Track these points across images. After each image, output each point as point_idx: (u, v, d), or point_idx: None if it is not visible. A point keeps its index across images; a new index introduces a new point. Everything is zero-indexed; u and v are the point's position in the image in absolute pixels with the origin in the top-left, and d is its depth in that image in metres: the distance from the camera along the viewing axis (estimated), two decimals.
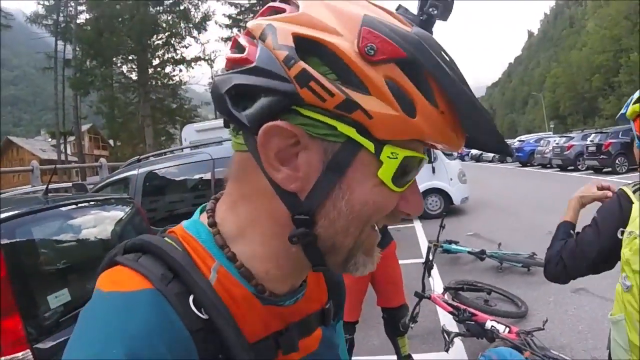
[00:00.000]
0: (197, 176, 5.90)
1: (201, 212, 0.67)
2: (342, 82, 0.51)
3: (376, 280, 3.41)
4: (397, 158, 0.54)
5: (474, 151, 45.42)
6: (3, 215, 2.52)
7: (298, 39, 0.51)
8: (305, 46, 0.51)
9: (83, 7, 32.83)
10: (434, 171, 11.13)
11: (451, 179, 11.25)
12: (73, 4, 34.09)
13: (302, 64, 0.50)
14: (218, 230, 0.62)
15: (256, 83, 0.51)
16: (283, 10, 0.55)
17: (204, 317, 0.54)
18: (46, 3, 34.45)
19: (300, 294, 0.68)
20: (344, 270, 0.61)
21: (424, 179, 11.10)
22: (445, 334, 3.76)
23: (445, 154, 11.54)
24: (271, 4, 0.59)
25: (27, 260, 2.59)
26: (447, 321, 4.43)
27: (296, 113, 0.52)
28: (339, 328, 0.83)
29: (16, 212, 2.64)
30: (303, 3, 0.55)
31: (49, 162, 32.34)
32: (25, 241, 2.63)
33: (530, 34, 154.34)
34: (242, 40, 0.56)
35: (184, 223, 0.65)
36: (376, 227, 0.62)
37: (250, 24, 0.56)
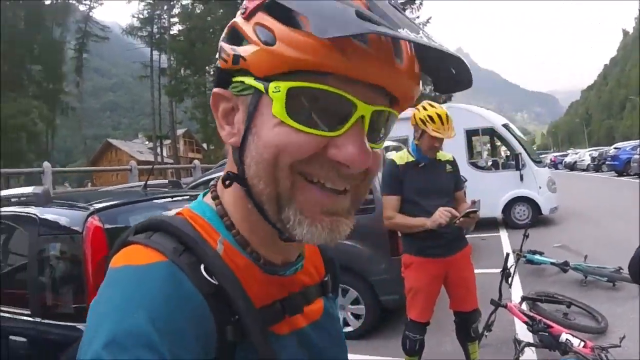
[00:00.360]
0: None
1: (204, 195, 0.73)
2: (234, 44, 0.61)
3: (449, 283, 3.41)
4: (279, 91, 0.56)
5: (567, 159, 43.31)
6: (107, 204, 2.92)
7: (227, 29, 0.63)
8: (230, 32, 0.63)
9: (176, 19, 34.71)
10: (522, 179, 10.67)
11: (540, 188, 10.73)
12: (166, 17, 36.16)
13: (221, 43, 0.63)
14: (220, 202, 0.69)
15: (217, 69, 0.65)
16: None
17: (215, 282, 0.58)
18: (141, 16, 36.82)
19: (299, 265, 0.73)
20: (286, 230, 0.61)
21: (511, 187, 10.77)
22: (516, 343, 3.72)
23: (534, 161, 11.10)
24: None
25: None
26: (522, 331, 4.36)
27: (231, 81, 0.63)
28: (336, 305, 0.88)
29: (118, 201, 3.03)
30: None
31: (146, 163, 34.43)
32: (125, 227, 2.93)
33: (625, 33, 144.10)
34: None
35: (190, 204, 0.71)
36: (320, 182, 0.60)
37: None
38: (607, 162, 29.11)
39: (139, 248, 0.60)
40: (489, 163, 12.37)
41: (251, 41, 0.57)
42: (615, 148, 31.62)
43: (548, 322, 3.84)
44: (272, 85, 0.56)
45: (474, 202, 3.10)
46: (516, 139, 11.21)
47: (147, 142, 58.50)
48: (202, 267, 0.59)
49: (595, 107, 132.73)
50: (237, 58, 0.59)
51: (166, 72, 34.89)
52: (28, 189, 3.83)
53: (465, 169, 8.34)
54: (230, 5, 28.92)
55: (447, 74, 0.61)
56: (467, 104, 12.96)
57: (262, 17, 0.57)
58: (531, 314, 4.11)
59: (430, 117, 3.17)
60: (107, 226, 2.74)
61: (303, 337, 0.70)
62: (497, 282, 4.01)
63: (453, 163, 3.47)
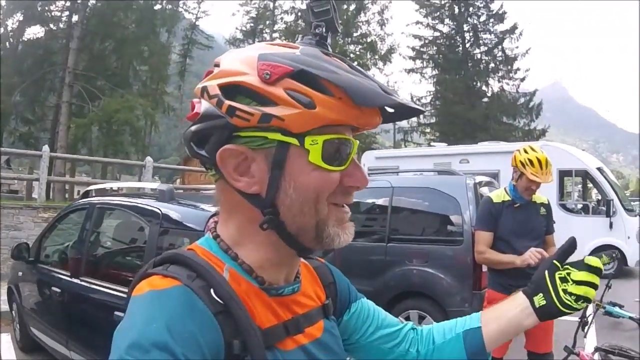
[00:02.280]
0: (370, 200, 6.29)
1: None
2: (258, 104, 0.68)
3: None
4: (317, 143, 0.69)
5: None
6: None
7: (222, 87, 0.70)
8: (229, 89, 0.70)
9: (277, 35, 35.81)
10: (611, 226, 10.36)
11: (629, 237, 10.36)
12: (268, 31, 37.41)
13: (227, 102, 0.68)
14: (221, 239, 0.78)
15: (205, 126, 0.72)
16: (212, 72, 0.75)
17: (222, 303, 0.67)
18: (244, 29, 38.28)
19: (296, 285, 0.82)
20: (322, 246, 0.75)
21: (599, 234, 10.43)
22: None
23: (625, 209, 10.71)
24: (209, 70, 0.77)
25: None
26: None
27: (238, 137, 0.70)
28: (361, 307, 1.01)
29: None
30: (222, 62, 0.75)
31: None
32: None
33: None
34: (195, 102, 0.75)
35: (198, 241, 0.81)
36: (343, 205, 0.77)
37: (195, 89, 0.76)
38: None
39: (158, 277, 0.69)
40: (579, 206, 11.97)
41: (287, 104, 0.67)
42: None
43: None
44: (308, 140, 0.69)
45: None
46: (609, 183, 10.88)
47: None
48: (212, 290, 0.68)
49: None
50: (267, 117, 0.67)
51: None
52: (153, 185, 4.26)
53: (554, 210, 8.19)
54: None
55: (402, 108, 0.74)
56: (562, 141, 12.61)
57: (291, 83, 0.68)
58: None
59: (530, 161, 3.29)
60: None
61: (307, 352, 0.78)
62: (572, 330, 3.99)
63: (547, 206, 3.57)
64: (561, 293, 0.92)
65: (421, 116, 34.90)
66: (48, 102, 29.75)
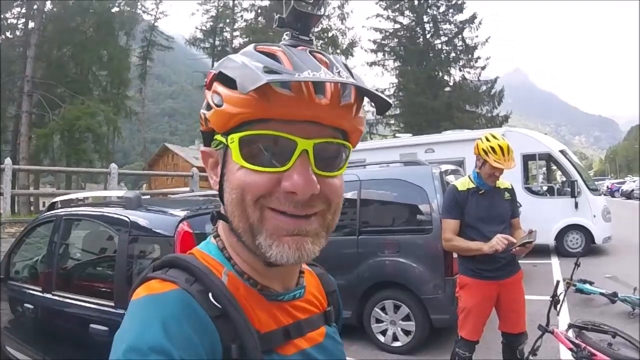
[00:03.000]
0: None
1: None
2: (206, 109, 0.72)
3: (500, 304, 3.58)
4: (234, 141, 0.68)
5: (624, 187, 41.77)
6: (195, 212, 3.30)
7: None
8: (205, 101, 0.73)
9: (237, 33, 35.59)
10: (576, 207, 10.65)
11: (594, 216, 10.66)
12: (229, 30, 37.12)
13: (201, 112, 0.74)
14: (219, 239, 0.79)
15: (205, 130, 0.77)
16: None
17: (220, 307, 0.67)
18: (204, 28, 37.93)
19: (298, 292, 0.82)
20: (262, 255, 0.70)
21: (565, 214, 10.74)
22: None
23: (590, 189, 10.99)
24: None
25: None
26: (566, 357, 4.47)
27: (214, 139, 0.75)
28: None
29: (203, 209, 3.40)
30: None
31: (203, 170, 35.13)
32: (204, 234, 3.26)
33: None
34: None
35: (199, 245, 0.82)
36: (281, 210, 0.68)
37: None
38: None
39: (156, 281, 0.69)
40: (544, 188, 12.27)
41: (212, 106, 0.69)
42: None
43: (592, 350, 3.93)
44: (229, 138, 0.69)
45: (531, 232, 3.33)
46: (573, 165, 11.14)
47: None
48: (210, 294, 0.68)
49: None
50: (206, 121, 0.73)
51: None
52: (119, 192, 4.21)
53: (520, 194, 8.31)
54: None
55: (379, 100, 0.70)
56: (524, 126, 12.90)
57: (216, 86, 0.70)
58: (576, 341, 4.18)
59: (493, 149, 3.40)
60: (197, 231, 3.08)
61: (308, 357, 0.77)
62: (545, 308, 4.11)
63: (511, 191, 3.69)
64: None
65: None
66: (7, 113, 28.98)
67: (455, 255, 4.19)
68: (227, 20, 37.44)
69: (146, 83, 42.55)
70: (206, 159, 0.78)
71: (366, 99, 0.72)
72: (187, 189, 13.11)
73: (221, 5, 37.89)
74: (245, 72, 0.64)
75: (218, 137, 0.72)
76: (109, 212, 3.66)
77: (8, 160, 10.22)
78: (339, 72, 0.66)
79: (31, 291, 4.01)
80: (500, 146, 3.40)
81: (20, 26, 29.95)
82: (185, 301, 0.65)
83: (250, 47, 0.71)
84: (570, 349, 4.06)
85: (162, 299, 0.65)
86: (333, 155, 0.71)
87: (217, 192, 0.76)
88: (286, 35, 0.73)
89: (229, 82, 0.67)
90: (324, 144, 0.69)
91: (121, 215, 3.48)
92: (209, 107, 0.71)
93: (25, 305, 3.96)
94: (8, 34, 29.40)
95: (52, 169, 21.30)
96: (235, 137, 0.68)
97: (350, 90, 0.69)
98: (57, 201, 4.70)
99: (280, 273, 0.78)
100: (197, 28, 38.29)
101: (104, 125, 29.90)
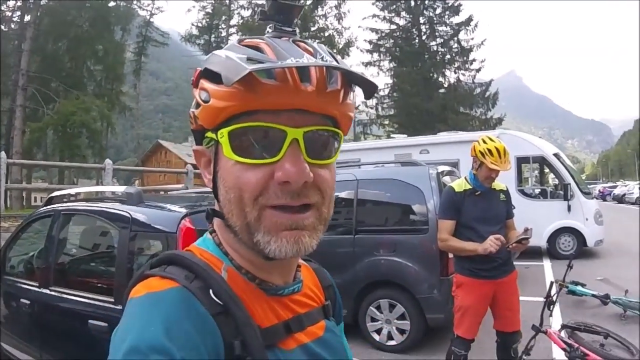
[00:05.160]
0: (335, 193, 6.33)
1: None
2: (195, 108, 0.72)
3: (496, 305, 3.64)
4: (223, 136, 0.68)
5: (616, 191, 42.11)
6: (197, 209, 3.28)
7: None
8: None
9: (233, 30, 35.48)
10: (569, 209, 10.71)
11: (587, 219, 10.73)
12: (224, 26, 37.00)
13: (190, 111, 0.74)
14: (216, 234, 0.79)
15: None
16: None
17: (221, 303, 0.66)
18: (199, 25, 37.77)
19: (296, 286, 0.81)
20: (261, 251, 0.69)
21: (558, 217, 10.80)
22: None
23: (582, 192, 11.09)
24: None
25: None
26: (559, 357, 4.51)
27: (205, 137, 0.75)
28: (340, 331, 0.95)
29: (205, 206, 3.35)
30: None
31: (195, 167, 35.05)
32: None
33: None
34: None
35: (195, 242, 0.81)
36: (280, 205, 0.67)
37: None
38: None
39: (155, 279, 0.68)
40: (537, 191, 12.35)
41: (200, 103, 0.69)
42: None
43: (585, 350, 3.99)
44: (219, 133, 0.69)
45: (526, 230, 3.41)
46: (566, 168, 11.21)
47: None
48: (210, 291, 0.67)
49: None
50: (195, 118, 0.72)
51: None
52: (120, 188, 4.18)
53: (513, 196, 8.41)
54: None
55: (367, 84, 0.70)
56: (518, 129, 12.98)
57: (203, 82, 0.69)
58: (569, 341, 4.24)
59: (489, 151, 3.46)
60: (199, 227, 3.06)
61: (309, 351, 0.76)
62: (538, 309, 4.16)
63: (506, 193, 3.75)
64: None
65: (380, 108, 35.24)
66: (2, 107, 28.81)
67: (450, 255, 4.24)
68: (224, 17, 37.29)
69: (140, 79, 42.30)
70: (199, 157, 0.78)
71: (360, 100, 0.72)
72: (180, 185, 13.10)
73: (217, 2, 37.71)
74: (229, 64, 0.64)
75: (209, 134, 0.72)
76: (109, 208, 3.62)
77: (2, 154, 10.17)
78: (322, 58, 0.67)
79: (28, 286, 3.98)
80: (497, 148, 3.46)
81: (15, 19, 29.78)
82: (185, 299, 0.64)
83: (234, 41, 0.72)
84: (564, 349, 4.11)
85: (162, 297, 0.64)
86: (324, 143, 0.71)
87: (211, 190, 0.76)
88: (269, 28, 0.74)
89: (214, 77, 0.67)
90: (314, 132, 0.69)
91: (122, 211, 3.44)
92: (197, 105, 0.71)
93: (22, 300, 3.93)
94: (3, 26, 29.17)
95: (47, 164, 21.27)
96: (224, 132, 0.68)
97: (337, 77, 0.68)
98: (54, 196, 4.69)
99: (279, 266, 0.77)
100: (193, 24, 38.09)
101: (98, 120, 29.75)
